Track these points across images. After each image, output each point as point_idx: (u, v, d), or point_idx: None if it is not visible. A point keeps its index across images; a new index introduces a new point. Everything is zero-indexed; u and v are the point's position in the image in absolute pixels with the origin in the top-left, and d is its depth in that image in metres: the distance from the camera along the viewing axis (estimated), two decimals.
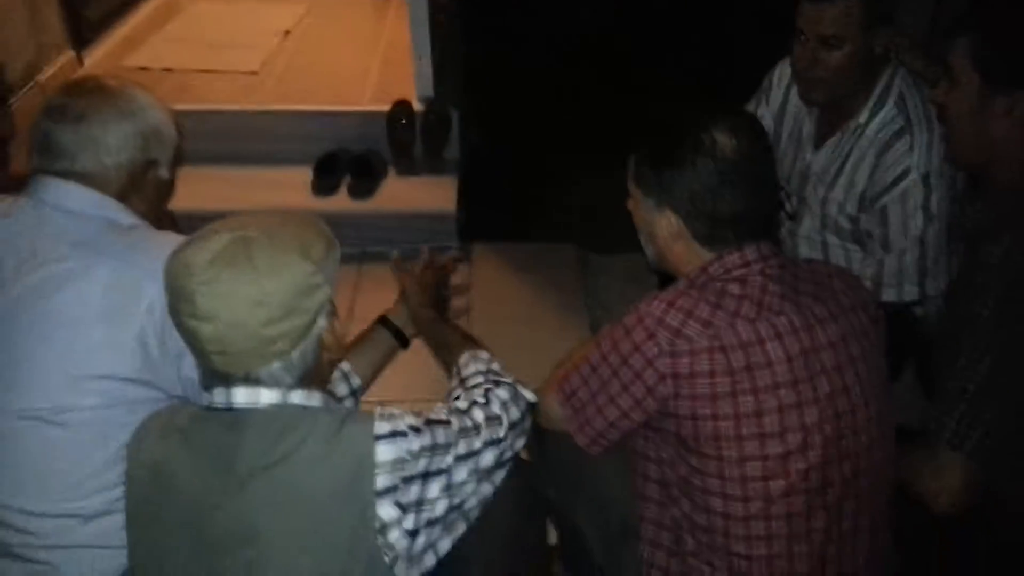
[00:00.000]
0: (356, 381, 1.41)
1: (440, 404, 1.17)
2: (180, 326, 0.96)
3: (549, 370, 1.39)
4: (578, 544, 1.39)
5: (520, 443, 1.20)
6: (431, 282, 1.56)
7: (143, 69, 3.13)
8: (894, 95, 1.64)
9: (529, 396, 1.24)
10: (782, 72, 1.86)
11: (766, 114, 1.91)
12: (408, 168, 2.80)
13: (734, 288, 1.13)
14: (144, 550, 1.02)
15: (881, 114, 1.65)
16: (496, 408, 1.15)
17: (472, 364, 1.27)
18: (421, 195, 2.74)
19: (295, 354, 0.98)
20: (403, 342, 1.52)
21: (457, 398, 1.19)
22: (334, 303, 1.04)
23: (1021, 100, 1.25)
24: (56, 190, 1.17)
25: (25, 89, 2.62)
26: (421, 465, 1.00)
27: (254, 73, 3.17)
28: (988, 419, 1.21)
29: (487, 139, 2.85)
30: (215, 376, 0.98)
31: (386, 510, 0.96)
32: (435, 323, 1.47)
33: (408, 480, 0.98)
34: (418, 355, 1.54)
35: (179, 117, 1.36)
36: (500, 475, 1.14)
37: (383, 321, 1.52)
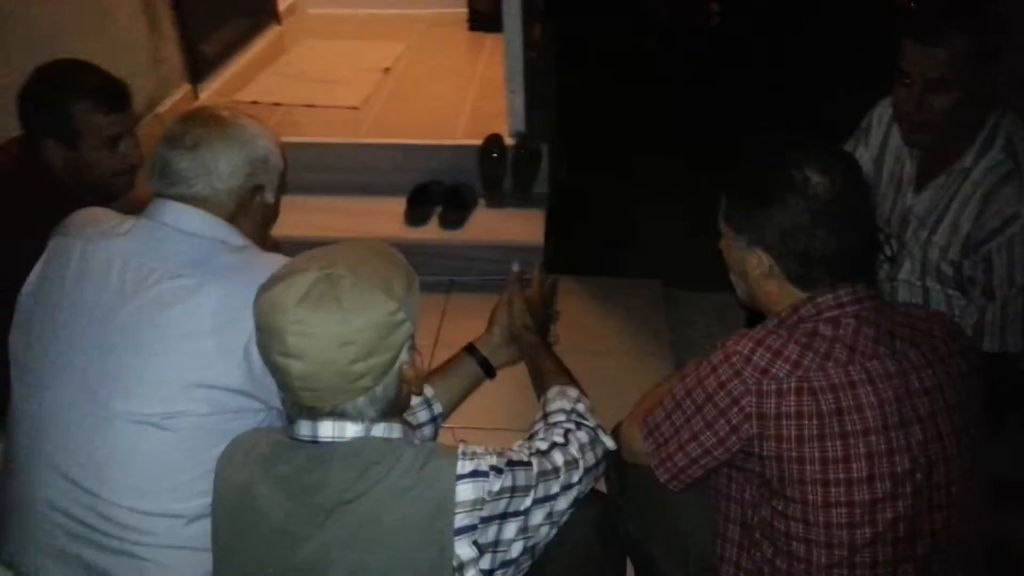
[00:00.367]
0: (438, 408, 1.42)
1: (521, 440, 1.17)
2: (270, 362, 1.00)
3: (630, 404, 1.39)
4: None
5: (590, 485, 1.19)
6: (538, 302, 1.54)
7: (254, 103, 3.31)
8: (1002, 138, 1.58)
9: (608, 443, 1.23)
10: (883, 111, 1.82)
11: (865, 154, 1.86)
12: (498, 200, 2.85)
13: (826, 329, 1.11)
14: (228, 567, 1.06)
15: (988, 157, 1.59)
16: (574, 451, 1.15)
17: (559, 400, 1.27)
18: (509, 227, 2.78)
19: (379, 388, 1.00)
20: (489, 372, 1.51)
21: (537, 434, 1.19)
22: (413, 337, 1.05)
23: None
24: (174, 212, 1.25)
25: (146, 119, 2.82)
26: (500, 506, 1.00)
27: (355, 108, 3.30)
28: None
29: (576, 173, 2.89)
30: (301, 410, 1.01)
31: (464, 549, 0.97)
32: (535, 347, 1.46)
33: (487, 520, 0.99)
34: (502, 384, 1.54)
35: (287, 149, 1.43)
36: (567, 515, 1.13)
37: (470, 349, 1.51)
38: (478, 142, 2.87)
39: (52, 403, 1.18)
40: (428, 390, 1.40)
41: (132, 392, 1.15)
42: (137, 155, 1.70)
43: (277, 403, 1.18)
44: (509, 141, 2.88)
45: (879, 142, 1.83)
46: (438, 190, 2.84)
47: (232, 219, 1.29)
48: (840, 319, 1.12)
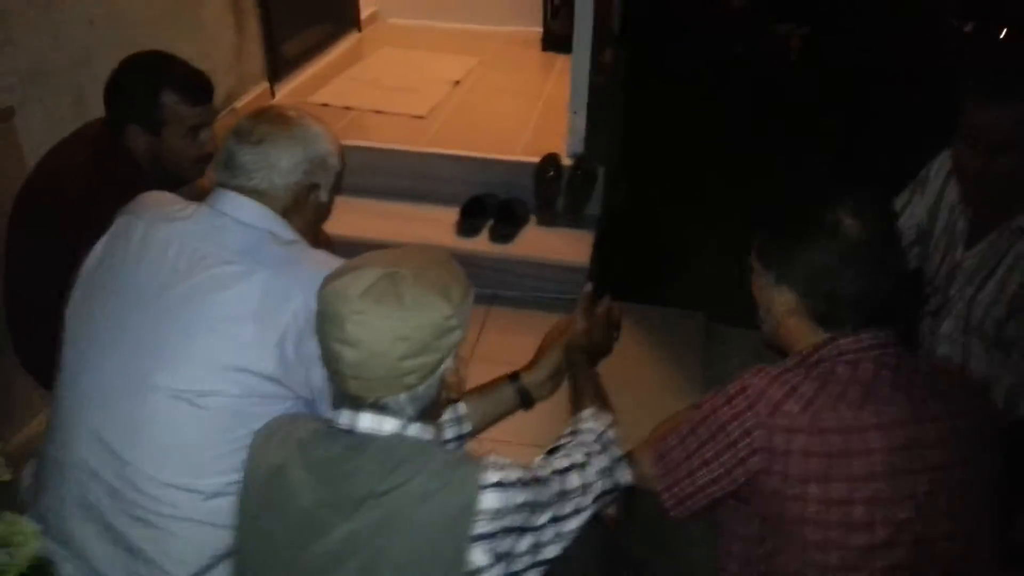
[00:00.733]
0: (467, 428, 1.43)
1: (543, 454, 1.20)
2: (326, 347, 1.05)
3: None
4: None
5: (601, 509, 1.21)
6: (602, 327, 1.53)
7: (325, 105, 3.44)
8: None
9: (627, 476, 1.25)
10: (942, 163, 1.80)
11: (920, 204, 1.85)
12: (549, 219, 2.90)
13: (843, 371, 1.12)
14: (251, 543, 1.11)
15: None
16: (592, 475, 1.17)
17: (590, 421, 1.29)
18: (558, 246, 2.82)
19: (421, 388, 1.05)
20: (527, 404, 1.48)
21: (560, 449, 1.21)
22: (459, 347, 1.09)
23: None
24: (234, 202, 1.32)
25: (224, 113, 2.95)
26: (519, 519, 1.03)
27: (422, 117, 3.39)
28: None
29: (634, 199, 2.91)
30: (346, 398, 1.06)
31: (479, 556, 1.00)
32: (581, 367, 1.45)
33: (505, 531, 1.02)
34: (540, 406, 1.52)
35: (350, 151, 1.48)
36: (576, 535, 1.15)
37: (514, 377, 1.48)
38: (536, 159, 2.93)
39: (100, 371, 1.25)
40: (462, 407, 1.42)
41: (174, 367, 1.21)
42: (212, 146, 1.78)
43: (305, 392, 1.24)
44: (567, 161, 2.92)
45: (935, 194, 1.82)
46: (492, 203, 2.90)
47: (285, 213, 1.36)
48: (859, 362, 1.12)
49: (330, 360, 1.05)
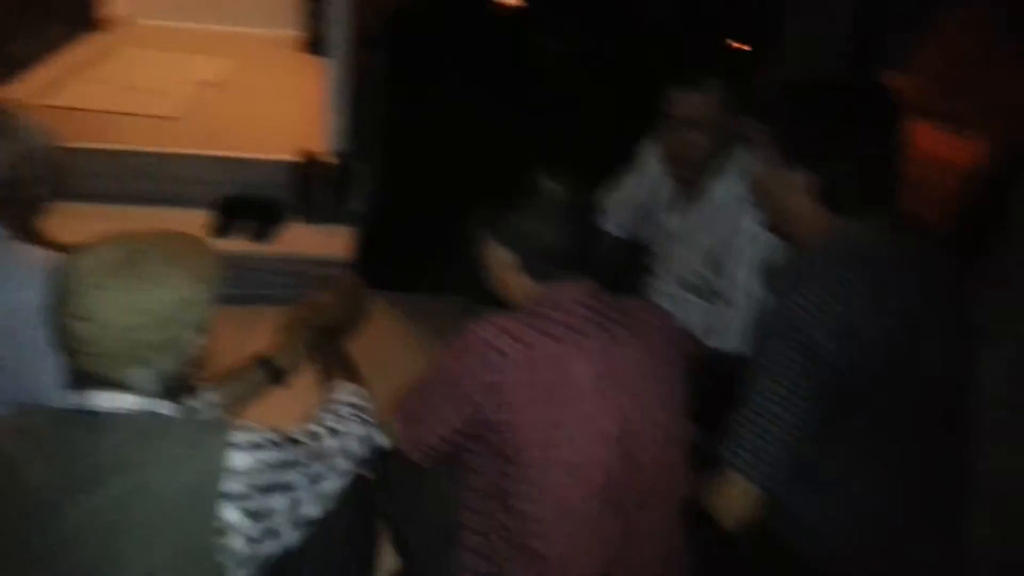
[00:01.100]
0: (218, 411, 1.42)
1: (300, 423, 1.22)
2: (60, 326, 1.00)
3: None
4: (406, 553, 1.48)
5: (356, 472, 1.25)
6: (348, 301, 1.63)
7: (59, 108, 3.19)
8: (739, 166, 1.82)
9: (382, 441, 1.32)
10: (653, 145, 2.04)
11: (638, 183, 2.08)
12: (309, 216, 2.89)
13: (554, 315, 1.26)
14: None
15: (727, 182, 1.83)
16: (349, 441, 1.23)
17: (344, 394, 1.34)
18: (318, 242, 2.83)
19: (162, 363, 1.03)
20: (277, 378, 1.53)
21: (317, 418, 1.25)
22: (206, 322, 1.08)
23: (813, 178, 1.39)
24: None
25: None
26: (271, 478, 1.04)
27: (174, 119, 3.25)
28: (771, 448, 1.32)
29: (396, 194, 2.96)
30: (81, 377, 1.02)
31: (231, 513, 1.00)
32: (328, 342, 1.54)
33: (257, 490, 1.02)
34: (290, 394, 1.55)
35: (90, 155, 1.42)
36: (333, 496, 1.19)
37: (261, 359, 1.52)
38: (295, 158, 2.91)
39: None
40: (213, 397, 1.41)
41: None
42: None
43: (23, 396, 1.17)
44: (327, 159, 2.93)
45: (648, 170, 2.05)
46: (248, 203, 2.84)
47: None
48: (566, 307, 1.27)
49: (63, 338, 1.00)
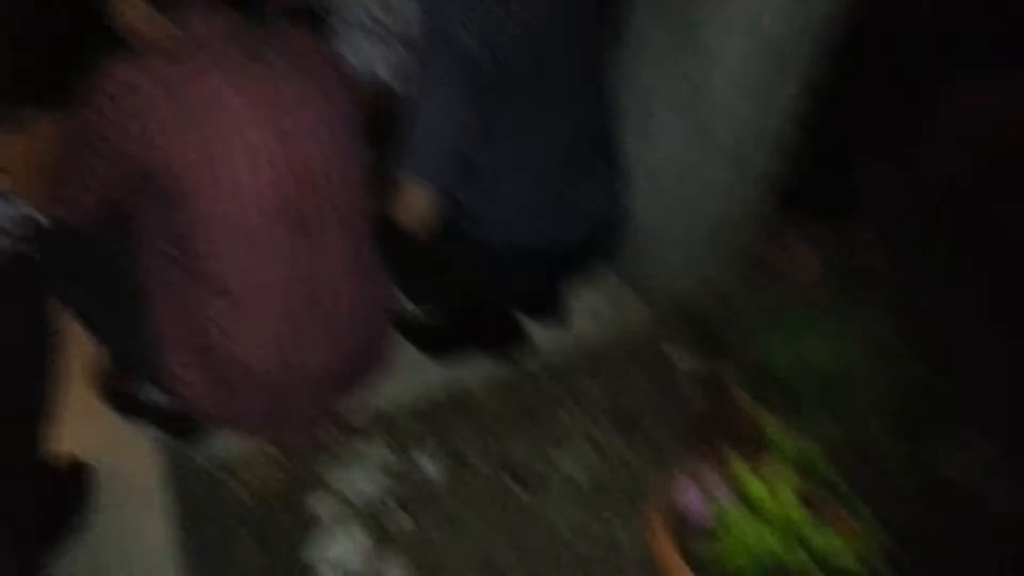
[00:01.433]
0: None
1: None
2: None
3: None
4: (101, 334, 1.45)
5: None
6: None
7: None
8: None
9: (34, 213, 1.27)
10: None
11: None
12: None
13: (196, 48, 1.20)
14: None
15: None
16: None
17: None
18: None
19: None
20: None
21: None
22: None
23: None
24: None
25: None
26: None
27: None
28: (438, 148, 1.43)
29: None
30: None
31: None
32: None
33: None
34: None
35: None
36: None
37: None
38: None
39: None
40: None
41: None
42: None
43: None
44: None
45: None
46: None
47: None
48: (208, 37, 1.22)
49: None
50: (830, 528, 1.30)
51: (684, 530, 1.36)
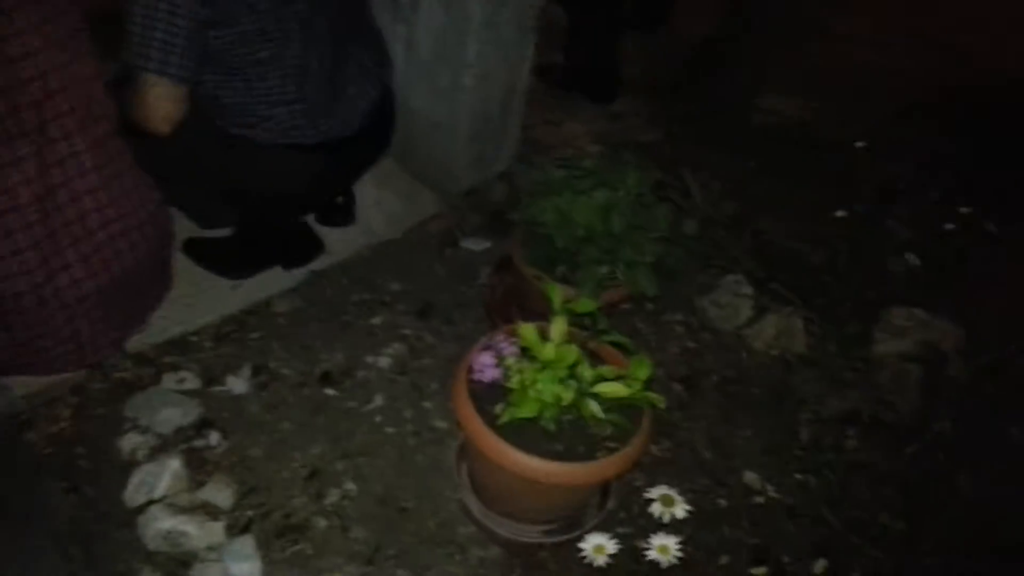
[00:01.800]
0: None
1: None
2: None
3: None
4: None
5: None
6: None
7: None
8: None
9: None
10: None
11: None
12: None
13: None
14: None
15: None
16: None
17: None
18: None
19: None
20: None
21: None
22: None
23: None
24: None
25: None
26: None
27: None
28: (177, 40, 1.41)
29: None
30: None
31: None
32: None
33: None
34: None
35: None
36: None
37: None
38: None
39: None
40: None
41: None
42: None
43: None
44: None
45: None
46: None
47: None
48: None
49: None
50: (606, 368, 1.46)
51: (483, 394, 1.47)
